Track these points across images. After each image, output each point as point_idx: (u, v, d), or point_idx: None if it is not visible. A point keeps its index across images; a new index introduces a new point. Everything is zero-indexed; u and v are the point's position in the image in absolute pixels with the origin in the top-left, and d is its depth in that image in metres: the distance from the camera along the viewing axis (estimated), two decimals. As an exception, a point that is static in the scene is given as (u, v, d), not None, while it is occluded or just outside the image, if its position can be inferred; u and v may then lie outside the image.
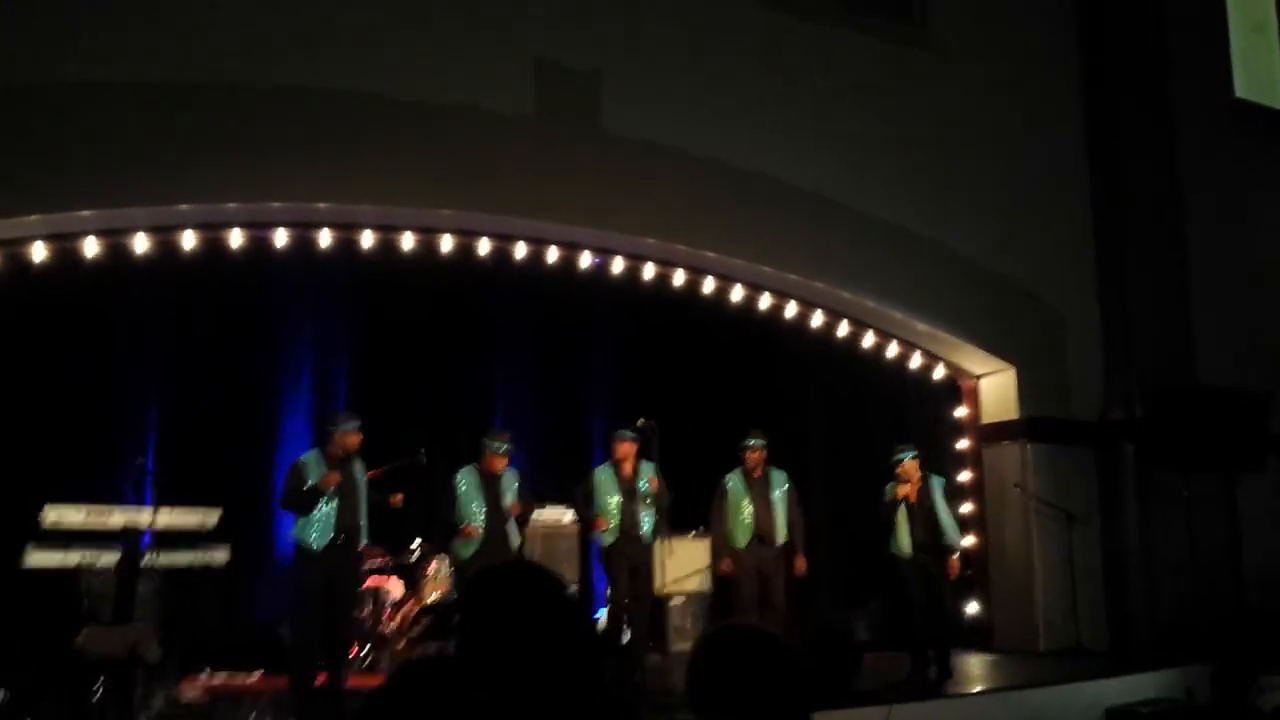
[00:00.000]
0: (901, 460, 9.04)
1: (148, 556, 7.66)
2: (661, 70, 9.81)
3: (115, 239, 8.41)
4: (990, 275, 11.15)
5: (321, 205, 8.81)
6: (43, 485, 7.86)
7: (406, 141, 8.77)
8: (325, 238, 9.03)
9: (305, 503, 7.60)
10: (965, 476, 11.48)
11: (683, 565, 9.43)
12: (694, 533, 9.81)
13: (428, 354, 10.23)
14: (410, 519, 9.05)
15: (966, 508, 11.07)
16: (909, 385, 11.77)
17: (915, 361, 11.61)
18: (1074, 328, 11.64)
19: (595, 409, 10.91)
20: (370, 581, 9.06)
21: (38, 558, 7.46)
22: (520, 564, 3.00)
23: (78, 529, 7.55)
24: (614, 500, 8.59)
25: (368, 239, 9.15)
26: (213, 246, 8.71)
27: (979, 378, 11.69)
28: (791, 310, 10.87)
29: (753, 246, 10.12)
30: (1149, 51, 12.16)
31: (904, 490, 8.97)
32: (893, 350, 11.46)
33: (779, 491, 9.09)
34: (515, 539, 8.46)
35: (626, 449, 8.72)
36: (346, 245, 9.14)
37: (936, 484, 9.16)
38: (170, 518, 7.80)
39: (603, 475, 8.74)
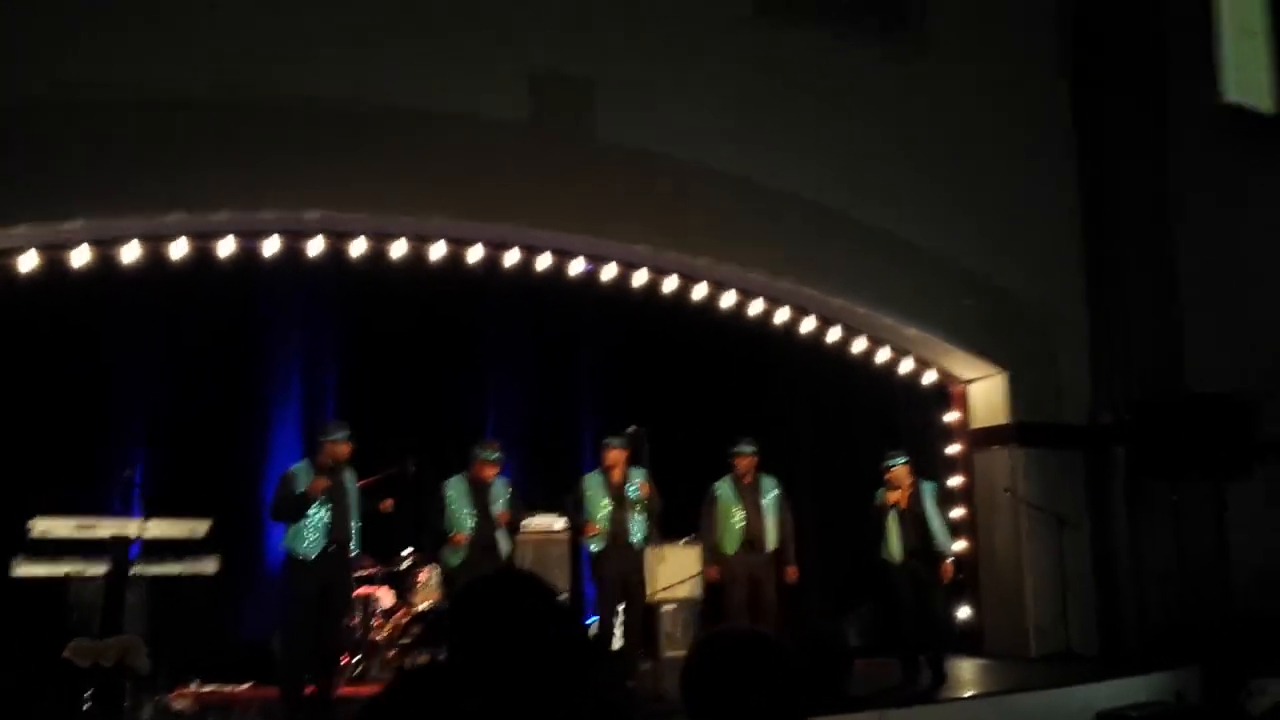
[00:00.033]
0: (892, 466, 9.02)
1: (136, 566, 7.65)
2: (655, 78, 9.81)
3: (105, 249, 8.39)
4: (980, 280, 11.15)
5: (313, 214, 8.80)
6: (30, 497, 7.84)
7: (398, 149, 8.77)
8: (316, 246, 9.02)
9: (295, 511, 7.59)
10: (955, 481, 11.49)
11: (674, 572, 9.42)
12: (685, 540, 9.80)
13: (418, 362, 10.20)
14: (401, 527, 9.06)
15: (957, 512, 11.06)
16: (899, 391, 11.78)
17: (905, 367, 11.62)
18: (1063, 332, 11.65)
19: (586, 416, 10.89)
20: (361, 590, 9.04)
21: (26, 568, 7.44)
22: (511, 572, 3.00)
23: (66, 539, 7.54)
24: (604, 507, 8.59)
25: (358, 247, 9.14)
26: (203, 256, 8.70)
27: (969, 383, 11.71)
28: (782, 316, 10.88)
29: (743, 253, 10.13)
30: (1140, 56, 12.17)
31: (894, 496, 8.96)
32: (883, 356, 11.47)
33: (769, 498, 9.09)
34: (505, 547, 8.46)
35: (616, 456, 8.72)
36: (337, 253, 9.14)
37: (927, 490, 9.15)
38: (159, 528, 7.79)
39: (592, 482, 8.75)
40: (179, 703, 7.66)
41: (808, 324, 11.01)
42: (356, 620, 8.97)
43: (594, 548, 8.63)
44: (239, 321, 9.65)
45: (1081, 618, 10.75)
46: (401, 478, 8.67)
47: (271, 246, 8.87)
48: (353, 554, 7.95)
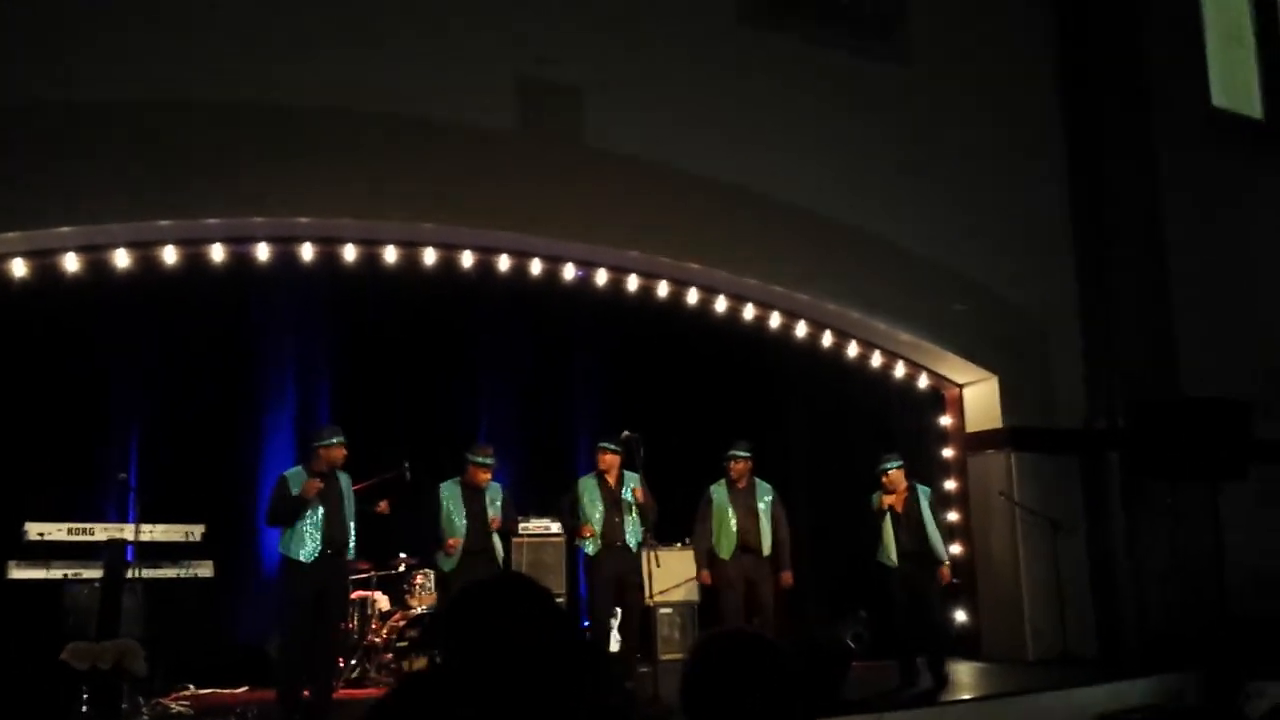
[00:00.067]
0: (887, 470, 9.04)
1: (132, 570, 7.64)
2: (646, 85, 9.83)
3: (96, 255, 8.38)
4: (972, 284, 11.18)
5: (303, 220, 8.80)
6: (26, 500, 7.83)
7: (389, 156, 8.77)
8: (307, 252, 9.01)
9: (290, 514, 7.58)
10: (951, 485, 11.50)
11: (670, 575, 9.40)
12: (681, 543, 9.79)
13: (411, 368, 10.20)
14: (395, 532, 9.04)
15: (952, 516, 11.09)
16: (893, 395, 11.78)
17: (899, 371, 11.62)
18: (1057, 336, 11.67)
19: (580, 421, 10.89)
20: (357, 593, 9.03)
21: (21, 572, 7.43)
22: (506, 576, 2.98)
23: (61, 543, 7.53)
24: (598, 511, 8.59)
25: (350, 253, 9.13)
26: (194, 262, 8.69)
27: (963, 387, 11.71)
28: (775, 321, 10.88)
29: (737, 259, 10.15)
30: (1128, 63, 12.22)
31: (889, 500, 8.97)
32: (876, 360, 11.47)
33: (764, 502, 9.06)
34: (499, 551, 8.46)
35: (609, 460, 8.74)
36: (329, 259, 9.13)
37: (923, 493, 9.16)
38: (154, 532, 7.78)
39: (587, 486, 8.75)
40: (175, 706, 7.64)
41: (801, 329, 11.01)
42: (353, 623, 8.97)
43: (589, 550, 8.62)
44: (233, 325, 9.65)
45: (1079, 621, 10.77)
46: (397, 482, 8.66)
47: (263, 253, 8.86)
48: (349, 557, 7.93)
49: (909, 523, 8.96)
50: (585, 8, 9.77)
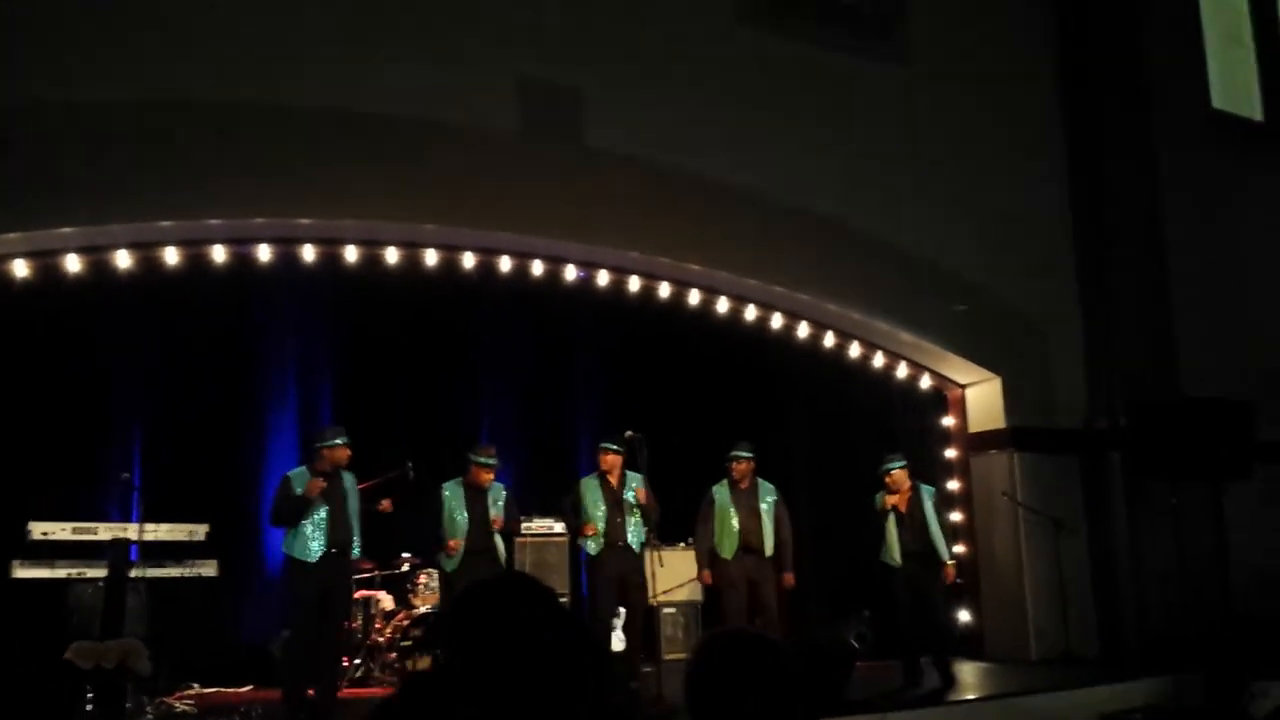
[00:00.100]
0: (890, 470, 9.03)
1: (136, 569, 7.65)
2: (646, 86, 9.84)
3: (97, 255, 8.39)
4: (974, 285, 11.18)
5: (305, 221, 8.81)
6: (30, 500, 7.84)
7: (390, 157, 8.77)
8: (309, 253, 9.03)
9: (294, 514, 7.57)
10: (954, 486, 11.50)
11: (674, 575, 9.41)
12: (684, 543, 9.79)
13: (413, 368, 10.21)
14: (399, 531, 9.04)
15: (955, 516, 11.07)
16: (896, 395, 11.78)
17: (901, 372, 11.62)
18: (1058, 337, 11.68)
19: (582, 422, 10.89)
20: (360, 593, 9.04)
21: (25, 571, 7.44)
22: (510, 576, 2.97)
23: (65, 542, 7.54)
24: (600, 511, 8.59)
25: (351, 254, 9.15)
26: (196, 263, 8.70)
27: (965, 387, 11.72)
28: (777, 322, 10.89)
29: (738, 259, 10.16)
30: (1128, 63, 12.24)
31: (892, 500, 8.96)
32: (879, 361, 11.47)
33: (767, 503, 9.04)
34: (502, 551, 8.45)
35: (611, 460, 8.73)
36: (330, 260, 9.14)
37: (927, 493, 9.15)
38: (158, 531, 7.79)
39: (589, 486, 8.75)
40: (179, 705, 7.65)
41: (803, 329, 11.02)
42: (357, 623, 8.97)
43: (591, 549, 8.62)
44: (236, 326, 9.67)
45: (1081, 620, 10.77)
46: (401, 481, 8.67)
47: (264, 254, 8.88)
48: (354, 557, 7.94)
49: (912, 523, 8.96)
50: (585, 8, 9.79)
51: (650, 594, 8.62)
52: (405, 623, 8.95)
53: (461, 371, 10.58)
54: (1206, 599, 10.49)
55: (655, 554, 8.51)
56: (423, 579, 9.28)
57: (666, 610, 9.90)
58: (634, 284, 10.19)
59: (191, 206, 8.28)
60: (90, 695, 6.87)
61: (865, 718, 7.54)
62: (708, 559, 9.01)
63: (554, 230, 9.49)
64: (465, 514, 8.30)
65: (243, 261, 8.87)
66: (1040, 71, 12.29)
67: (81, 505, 8.07)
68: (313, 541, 7.55)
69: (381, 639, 9.01)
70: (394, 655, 8.85)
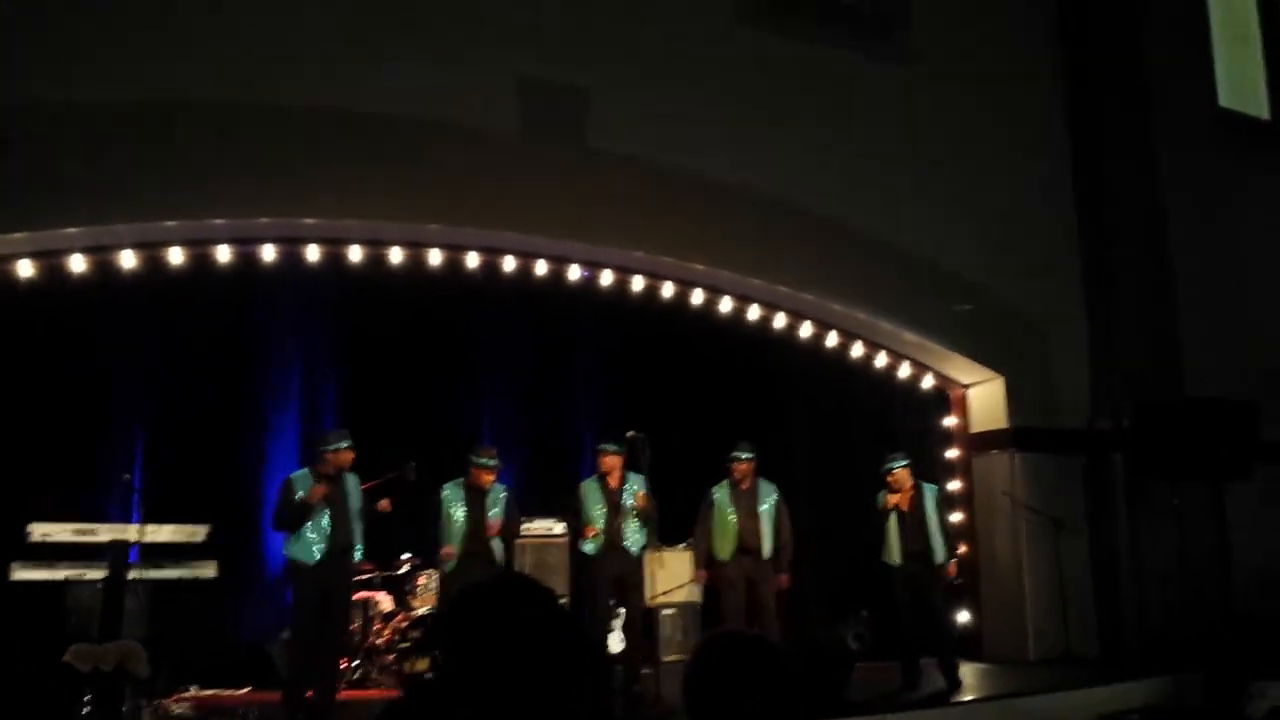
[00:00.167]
0: (893, 469, 9.01)
1: (135, 571, 7.64)
2: (646, 86, 9.84)
3: (101, 256, 8.41)
4: (976, 284, 11.17)
5: (308, 221, 8.82)
6: (29, 501, 7.84)
7: (393, 157, 8.79)
8: (312, 253, 9.04)
9: (295, 519, 7.58)
10: (955, 485, 11.49)
11: (673, 577, 9.41)
12: (683, 544, 9.78)
13: (415, 368, 10.19)
14: (399, 532, 9.04)
15: (956, 517, 11.05)
16: (898, 395, 11.77)
17: (904, 371, 11.62)
18: (1061, 336, 11.67)
19: (584, 422, 10.87)
20: (360, 594, 9.03)
21: (25, 572, 7.44)
22: (509, 576, 2.96)
23: (65, 543, 7.53)
24: (599, 514, 8.57)
25: (355, 254, 9.16)
26: (199, 263, 8.73)
27: (967, 387, 11.71)
28: (780, 322, 10.89)
29: (739, 259, 10.17)
30: (1129, 63, 12.22)
31: (894, 499, 8.95)
32: (881, 360, 11.48)
33: (766, 504, 9.02)
34: (499, 554, 8.42)
35: (611, 462, 8.72)
36: (334, 260, 9.16)
37: (929, 492, 9.14)
38: (158, 533, 7.78)
39: (589, 489, 8.74)
40: (178, 707, 7.65)
41: (806, 329, 11.02)
42: (356, 624, 8.97)
43: (589, 549, 8.61)
44: (238, 326, 9.66)
45: (1081, 621, 10.76)
46: (401, 481, 8.66)
47: (268, 254, 8.89)
48: (356, 559, 7.94)
49: (913, 522, 8.94)
50: (585, 8, 9.80)
51: (648, 595, 8.61)
52: (404, 624, 8.93)
53: (463, 371, 10.56)
54: (1207, 599, 10.49)
55: (655, 555, 8.49)
56: (422, 580, 9.27)
57: (665, 611, 9.88)
58: (635, 284, 10.20)
59: (192, 206, 8.31)
60: (88, 697, 6.86)
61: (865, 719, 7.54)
62: (704, 559, 9.01)
63: (554, 230, 9.51)
64: (463, 516, 8.28)
65: (246, 261, 8.92)
66: (1040, 71, 12.27)
67: (82, 506, 8.06)
68: (314, 544, 7.56)
69: (380, 641, 9.01)
70: (392, 657, 8.84)
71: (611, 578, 8.57)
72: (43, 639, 7.25)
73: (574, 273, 9.96)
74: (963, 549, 10.86)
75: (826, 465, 11.35)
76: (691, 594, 9.83)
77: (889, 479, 9.02)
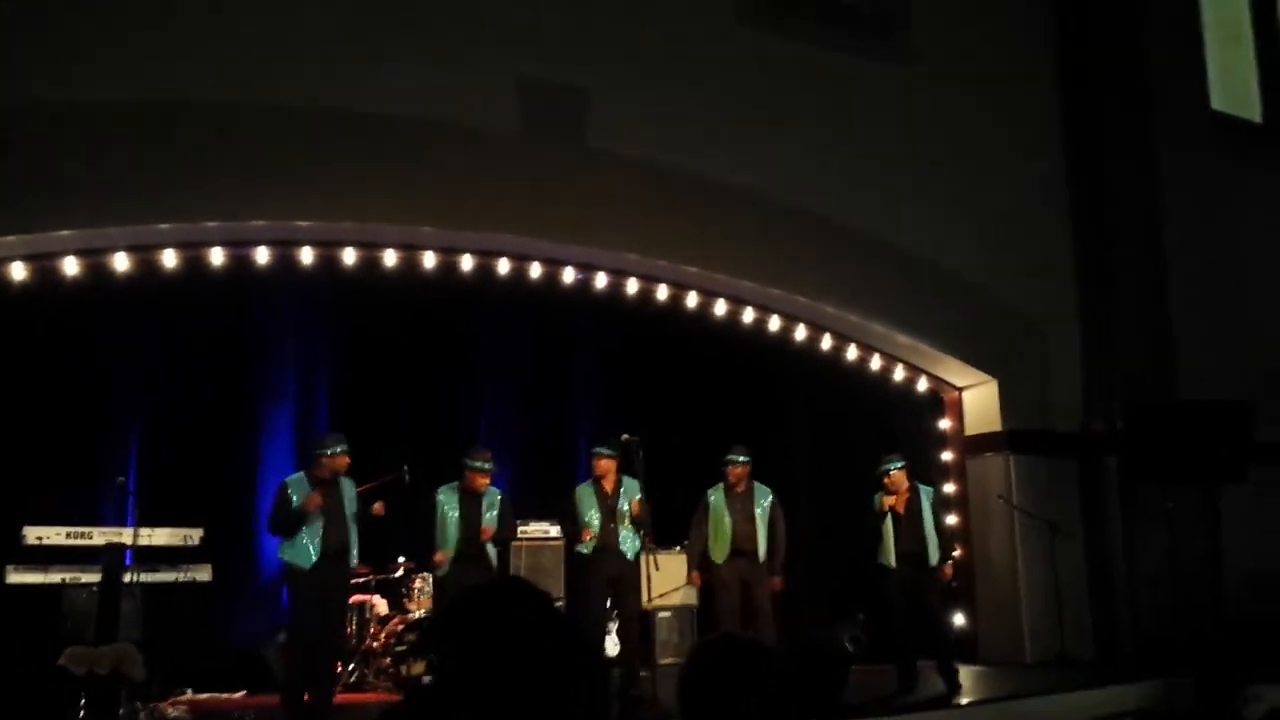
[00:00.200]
0: (888, 471, 9.01)
1: (130, 574, 7.63)
2: (646, 86, 9.82)
3: (95, 258, 8.37)
4: (971, 288, 11.17)
5: (303, 223, 8.79)
6: (24, 504, 7.82)
7: (389, 158, 8.76)
8: (307, 256, 9.01)
9: (291, 526, 7.57)
10: (950, 488, 11.50)
11: (669, 579, 9.40)
12: (679, 547, 9.79)
13: (410, 371, 10.19)
14: (394, 535, 9.03)
15: (951, 519, 11.06)
16: (893, 398, 11.77)
17: (898, 374, 11.62)
18: (1055, 340, 11.67)
19: (579, 425, 10.88)
20: (355, 597, 9.02)
21: (19, 576, 7.43)
22: (504, 580, 2.95)
23: (60, 547, 7.53)
24: (594, 518, 8.55)
25: (349, 256, 9.12)
26: (193, 265, 8.69)
27: (961, 390, 11.72)
28: (775, 324, 10.89)
29: (737, 261, 10.15)
30: (1128, 63, 12.21)
31: (890, 501, 8.95)
32: (876, 363, 11.48)
33: (761, 507, 9.02)
34: (494, 557, 8.40)
35: (605, 465, 8.68)
36: (328, 263, 9.12)
37: (925, 494, 9.14)
38: (153, 536, 7.77)
39: (584, 493, 8.71)
40: (173, 710, 7.64)
41: (800, 332, 11.01)
42: (351, 628, 8.97)
43: (584, 551, 8.60)
44: (233, 329, 9.65)
45: (1076, 623, 10.78)
46: (396, 484, 8.64)
47: (262, 256, 8.85)
48: (352, 562, 7.93)
49: (910, 524, 8.95)
50: (585, 8, 9.76)
51: (645, 598, 8.61)
52: (400, 627, 8.94)
53: (460, 373, 10.56)
54: (1199, 602, 10.50)
55: (651, 557, 8.49)
56: (418, 583, 9.26)
57: (661, 614, 9.90)
58: (632, 286, 10.17)
59: (190, 207, 8.27)
60: (84, 701, 6.86)
61: (861, 723, 7.55)
62: (698, 561, 9.02)
63: (554, 231, 9.48)
64: (458, 519, 8.26)
65: (241, 263, 8.86)
66: (1040, 71, 12.27)
67: (77, 509, 8.06)
68: (309, 549, 7.54)
69: (376, 644, 9.00)
70: (388, 660, 8.85)
71: (607, 580, 8.56)
72: (38, 642, 7.25)
73: (569, 274, 9.93)
74: (959, 551, 10.88)
75: (822, 468, 11.37)
76: (688, 597, 9.84)
77: (885, 481, 9.02)
